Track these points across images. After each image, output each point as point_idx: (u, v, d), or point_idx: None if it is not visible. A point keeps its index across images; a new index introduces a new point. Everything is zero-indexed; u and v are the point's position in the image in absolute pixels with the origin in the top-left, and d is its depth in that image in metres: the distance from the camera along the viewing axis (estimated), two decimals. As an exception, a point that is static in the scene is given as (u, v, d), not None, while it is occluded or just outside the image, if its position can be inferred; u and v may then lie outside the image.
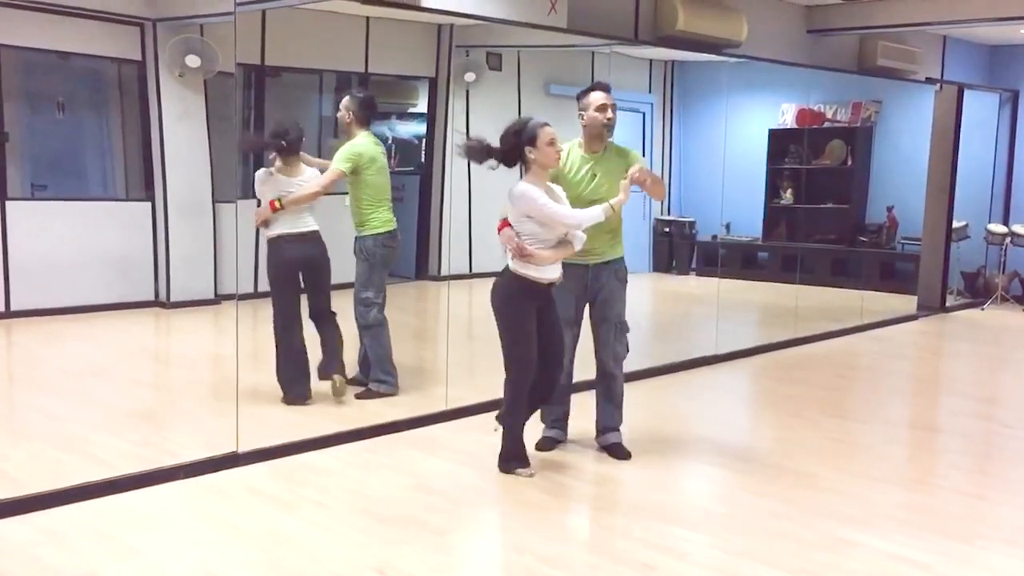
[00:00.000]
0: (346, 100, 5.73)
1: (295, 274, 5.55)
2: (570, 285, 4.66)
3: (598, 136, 4.77)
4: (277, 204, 5.38)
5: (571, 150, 4.77)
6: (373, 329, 5.65)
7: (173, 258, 8.51)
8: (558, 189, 4.55)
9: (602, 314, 4.82)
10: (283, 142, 5.46)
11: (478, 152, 4.39)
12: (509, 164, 4.43)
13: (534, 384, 4.51)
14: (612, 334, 4.82)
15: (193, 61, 8.26)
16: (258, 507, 4.14)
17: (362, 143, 5.63)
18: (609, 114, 4.72)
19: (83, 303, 8.12)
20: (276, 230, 5.46)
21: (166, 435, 5.11)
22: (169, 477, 4.35)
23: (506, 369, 4.49)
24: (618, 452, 4.86)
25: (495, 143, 4.43)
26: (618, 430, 4.93)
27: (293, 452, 4.76)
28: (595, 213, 4.40)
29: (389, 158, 10.18)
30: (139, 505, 4.11)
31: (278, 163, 5.52)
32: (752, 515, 4.19)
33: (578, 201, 4.58)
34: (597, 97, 4.74)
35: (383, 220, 5.64)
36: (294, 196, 5.41)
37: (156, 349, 7.87)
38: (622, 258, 4.87)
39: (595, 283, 4.78)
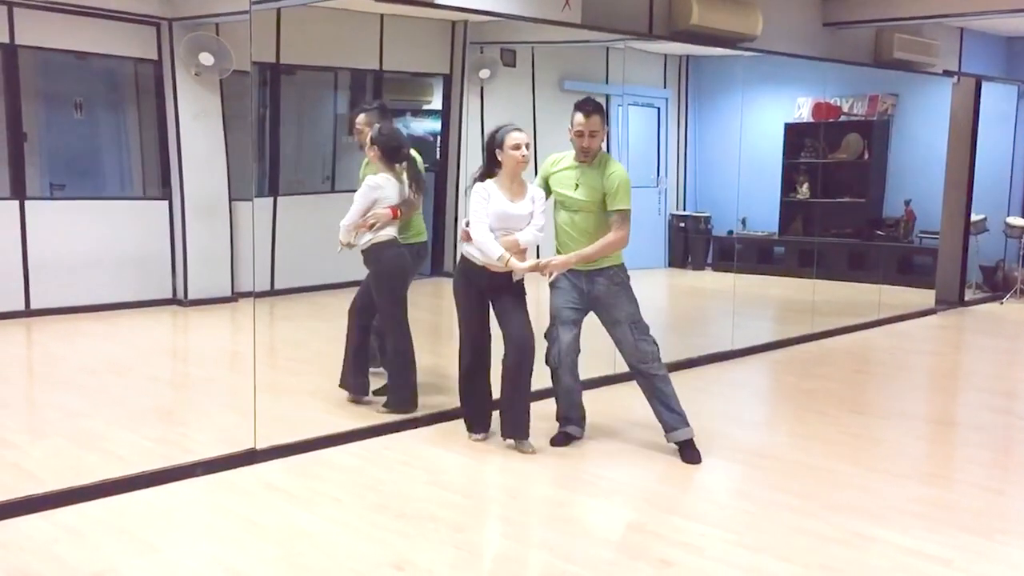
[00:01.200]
0: (362, 116, 5.65)
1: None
2: (567, 285, 4.85)
3: (583, 151, 4.79)
4: (399, 212, 5.28)
5: (568, 155, 4.88)
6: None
7: (190, 256, 8.55)
8: (538, 194, 4.78)
9: (610, 317, 4.84)
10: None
11: (483, 176, 4.78)
12: (493, 165, 4.72)
13: (506, 367, 4.82)
14: (630, 334, 4.80)
15: (206, 59, 8.30)
16: (276, 503, 4.16)
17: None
18: (585, 142, 4.72)
19: (101, 301, 8.17)
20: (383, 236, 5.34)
21: (184, 432, 5.14)
22: (187, 474, 4.38)
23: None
24: (685, 453, 4.82)
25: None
26: (680, 428, 4.85)
27: (310, 448, 4.78)
28: (489, 249, 4.64)
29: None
30: (157, 502, 4.13)
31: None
32: (770, 510, 4.18)
33: (563, 207, 4.84)
34: (578, 120, 4.73)
35: (419, 230, 5.63)
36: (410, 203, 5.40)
37: (174, 346, 7.92)
38: (619, 264, 4.86)
39: (591, 289, 4.82)
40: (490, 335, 4.90)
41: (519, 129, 4.69)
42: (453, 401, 5.47)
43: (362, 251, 5.29)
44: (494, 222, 4.68)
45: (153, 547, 3.69)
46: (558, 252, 4.86)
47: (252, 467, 4.54)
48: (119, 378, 6.27)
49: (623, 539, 3.96)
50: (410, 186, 5.34)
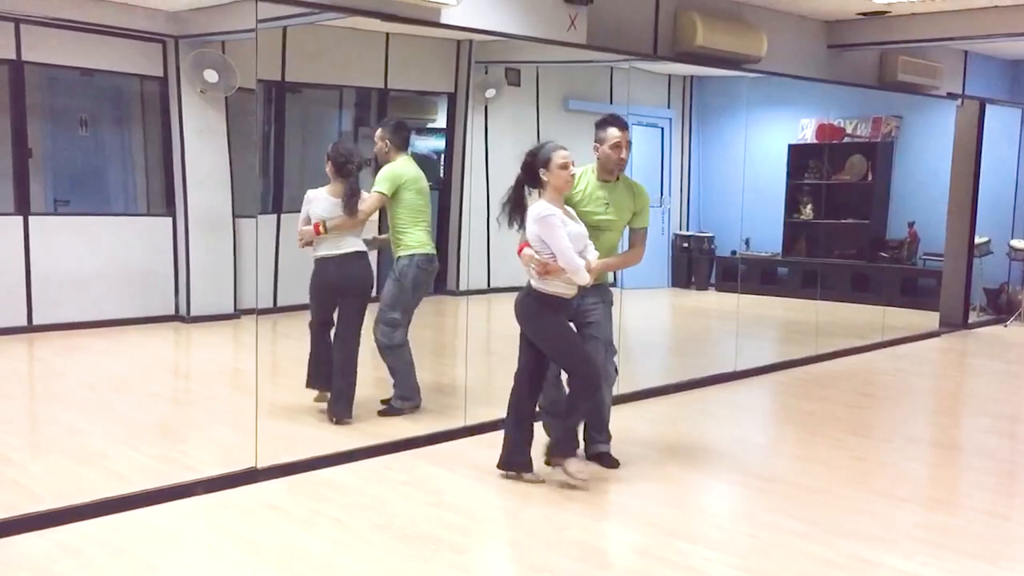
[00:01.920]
0: (379, 131, 5.77)
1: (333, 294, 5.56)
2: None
3: (611, 170, 4.83)
4: (322, 228, 5.38)
5: (585, 174, 4.83)
6: (396, 349, 5.64)
7: (193, 273, 8.56)
8: (572, 212, 4.63)
9: (594, 333, 4.78)
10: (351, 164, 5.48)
11: (514, 205, 4.55)
12: (531, 185, 4.53)
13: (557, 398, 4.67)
14: (602, 352, 4.81)
15: (211, 76, 8.33)
16: (276, 523, 4.13)
17: (400, 164, 5.66)
18: (623, 154, 4.77)
19: (104, 317, 8.17)
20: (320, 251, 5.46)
21: (185, 450, 5.12)
22: (187, 492, 4.36)
23: (570, 375, 4.58)
24: (607, 460, 4.92)
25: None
26: (607, 441, 4.99)
27: (312, 468, 4.76)
28: (583, 276, 4.43)
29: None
30: (157, 520, 4.11)
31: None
32: (773, 534, 4.15)
33: (588, 225, 4.68)
34: (613, 134, 4.77)
35: (420, 241, 5.63)
36: (336, 222, 5.39)
37: (176, 363, 7.90)
38: (611, 283, 4.97)
39: (580, 303, 4.73)
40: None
41: (563, 147, 4.51)
42: (455, 421, 5.46)
43: None
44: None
45: (152, 566, 3.66)
46: None
47: (253, 486, 4.52)
48: (120, 395, 6.26)
49: (626, 562, 3.93)
50: (344, 203, 5.38)
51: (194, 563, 3.72)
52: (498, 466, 4.70)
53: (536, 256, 4.43)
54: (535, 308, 4.53)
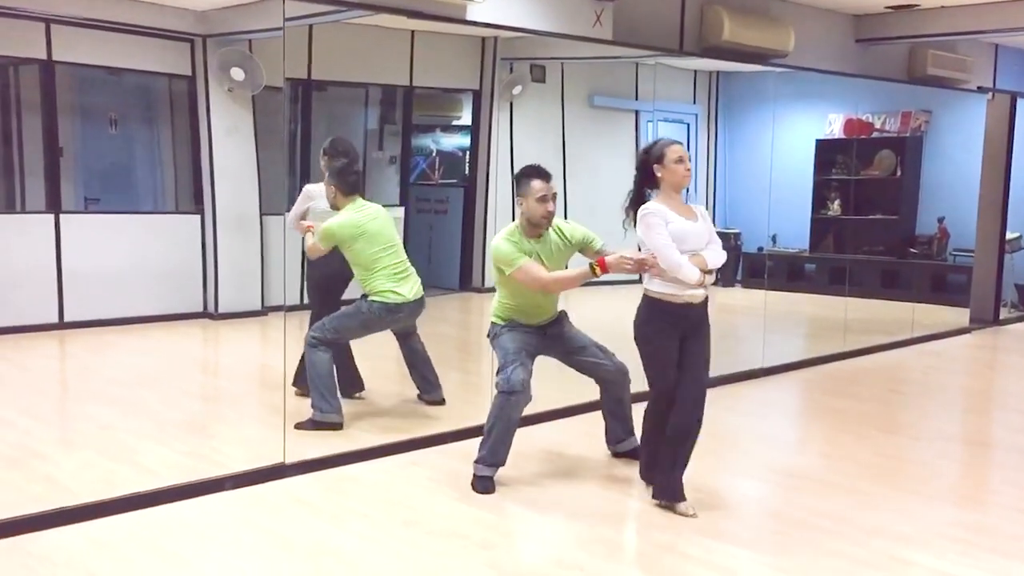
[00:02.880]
0: (326, 177, 5.46)
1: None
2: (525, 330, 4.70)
3: (537, 224, 4.64)
4: (314, 244, 5.42)
5: (510, 237, 4.68)
6: (312, 358, 5.30)
7: (221, 270, 8.62)
8: (700, 210, 4.39)
9: (578, 344, 4.81)
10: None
11: (635, 201, 4.36)
12: (649, 185, 4.33)
13: (678, 421, 4.29)
14: (599, 352, 4.81)
15: (237, 74, 8.38)
16: (304, 518, 4.16)
17: (342, 217, 5.33)
18: (551, 207, 4.61)
19: (134, 314, 8.25)
20: None
21: (214, 445, 5.16)
22: (217, 487, 4.39)
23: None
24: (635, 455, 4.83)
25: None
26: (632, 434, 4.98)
27: (339, 464, 4.78)
28: (688, 272, 4.14)
29: (433, 171, 10.25)
30: (187, 515, 4.15)
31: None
32: (803, 532, 4.12)
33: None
34: (537, 186, 4.57)
35: (380, 289, 5.28)
36: (310, 243, 5.41)
37: (204, 360, 7.96)
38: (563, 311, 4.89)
39: (552, 331, 4.78)
40: None
41: (677, 141, 4.31)
42: (481, 417, 5.45)
43: None
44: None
45: (183, 560, 3.69)
46: (504, 320, 4.73)
47: (281, 481, 4.55)
48: (150, 391, 6.31)
49: (653, 559, 3.92)
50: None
51: (224, 557, 3.75)
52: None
53: (630, 257, 4.20)
54: (641, 310, 4.31)
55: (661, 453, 4.34)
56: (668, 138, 4.35)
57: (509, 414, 4.53)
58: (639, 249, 4.27)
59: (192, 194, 8.89)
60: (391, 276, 5.31)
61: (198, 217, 8.73)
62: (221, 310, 8.59)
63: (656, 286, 4.24)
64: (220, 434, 5.49)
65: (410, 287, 5.37)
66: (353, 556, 3.76)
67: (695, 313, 4.29)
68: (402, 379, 5.97)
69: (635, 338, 4.33)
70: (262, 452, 4.70)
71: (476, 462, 4.57)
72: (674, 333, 4.26)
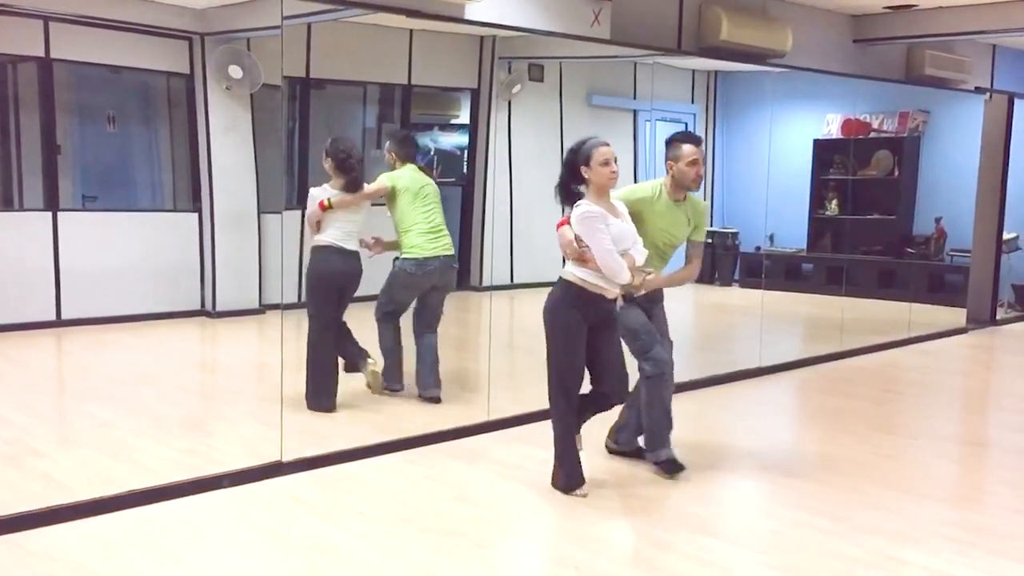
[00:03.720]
0: (387, 143, 6.09)
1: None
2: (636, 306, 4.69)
3: (687, 186, 4.74)
4: (327, 203, 5.51)
5: (658, 191, 4.74)
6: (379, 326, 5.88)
7: (219, 268, 8.62)
8: (620, 206, 4.47)
9: (663, 330, 4.85)
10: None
11: (564, 189, 4.44)
12: (575, 183, 4.39)
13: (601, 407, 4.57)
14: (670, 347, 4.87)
15: (235, 71, 8.38)
16: (301, 516, 4.17)
17: (399, 173, 5.88)
18: (700, 170, 4.72)
19: (131, 312, 8.25)
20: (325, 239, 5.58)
21: (211, 443, 5.17)
22: (214, 485, 4.40)
23: (548, 381, 4.45)
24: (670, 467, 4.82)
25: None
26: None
27: (336, 462, 4.79)
28: (625, 275, 4.28)
29: (432, 169, 10.27)
30: (185, 513, 4.15)
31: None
32: (798, 531, 4.14)
33: (654, 245, 4.66)
34: (689, 150, 4.68)
35: (411, 245, 5.79)
36: (340, 199, 5.55)
37: (202, 358, 7.97)
38: None
39: (650, 310, 4.80)
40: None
41: (605, 143, 4.35)
42: (479, 415, 5.47)
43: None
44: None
45: (180, 558, 3.70)
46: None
47: (278, 479, 4.55)
48: (148, 388, 6.32)
49: (650, 558, 3.93)
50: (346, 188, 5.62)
51: (221, 555, 3.76)
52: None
53: (574, 243, 4.25)
54: (556, 295, 4.36)
55: (585, 413, 4.52)
56: (598, 139, 4.37)
57: (662, 395, 4.65)
58: (565, 223, 4.35)
59: (190, 192, 8.89)
60: (423, 233, 5.79)
61: (196, 215, 8.73)
62: (219, 308, 8.59)
63: (584, 274, 4.30)
64: (217, 432, 5.50)
65: (440, 244, 5.83)
66: (350, 554, 3.77)
67: (608, 305, 4.42)
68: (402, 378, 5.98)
69: (548, 322, 4.38)
70: (259, 450, 4.71)
71: (649, 452, 4.71)
72: (585, 322, 4.36)
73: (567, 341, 4.33)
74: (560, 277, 4.38)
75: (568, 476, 4.45)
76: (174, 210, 9.10)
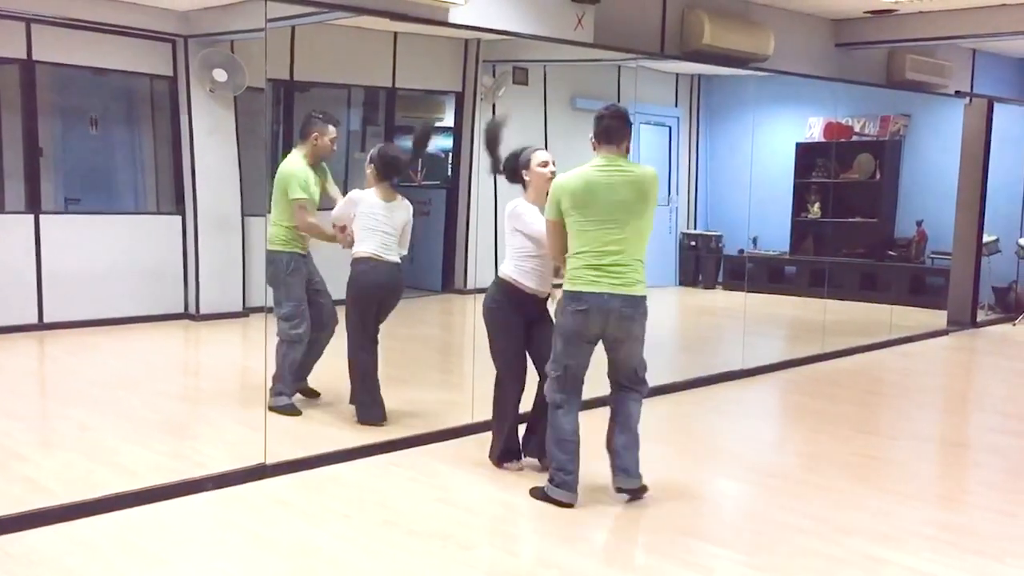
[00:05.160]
0: (372, 155, 5.62)
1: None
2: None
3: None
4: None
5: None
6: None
7: (203, 271, 8.59)
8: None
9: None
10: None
11: (491, 140, 4.83)
12: (511, 180, 4.79)
13: (537, 403, 4.72)
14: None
15: (219, 75, 8.36)
16: (285, 519, 4.16)
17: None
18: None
19: (114, 315, 8.21)
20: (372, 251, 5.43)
21: (195, 446, 5.15)
22: (197, 488, 4.39)
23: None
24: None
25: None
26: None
27: (320, 464, 4.78)
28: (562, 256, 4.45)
29: (416, 172, 10.29)
30: (168, 516, 4.14)
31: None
32: (780, 531, 4.17)
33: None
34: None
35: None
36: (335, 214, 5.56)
37: (185, 361, 7.94)
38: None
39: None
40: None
41: (542, 148, 4.75)
42: (463, 418, 5.48)
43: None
44: (537, 245, 4.58)
45: (163, 561, 3.69)
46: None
47: (262, 482, 4.55)
48: (131, 392, 6.29)
49: (633, 559, 3.95)
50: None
51: (204, 558, 3.75)
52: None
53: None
54: (491, 294, 4.72)
55: (534, 421, 4.76)
56: (536, 146, 4.77)
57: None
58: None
59: (173, 195, 8.86)
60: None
61: (179, 218, 8.70)
62: (202, 311, 8.56)
63: (518, 276, 4.64)
64: (201, 435, 5.49)
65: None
66: (333, 556, 3.77)
67: (539, 303, 4.72)
68: (383, 380, 5.98)
69: (487, 320, 4.71)
70: (243, 453, 4.70)
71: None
72: (523, 319, 4.68)
73: (505, 338, 4.68)
74: (497, 276, 4.72)
75: (503, 450, 4.80)
76: (157, 213, 9.07)
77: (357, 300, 5.42)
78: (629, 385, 4.40)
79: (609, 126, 4.32)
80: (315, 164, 5.66)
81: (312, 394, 5.85)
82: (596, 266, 4.21)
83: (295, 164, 5.61)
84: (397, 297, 5.52)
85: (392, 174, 5.43)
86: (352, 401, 5.55)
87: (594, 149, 4.37)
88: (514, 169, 4.75)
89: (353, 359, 5.47)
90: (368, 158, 5.52)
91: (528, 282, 4.64)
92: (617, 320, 4.22)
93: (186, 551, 3.81)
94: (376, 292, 5.41)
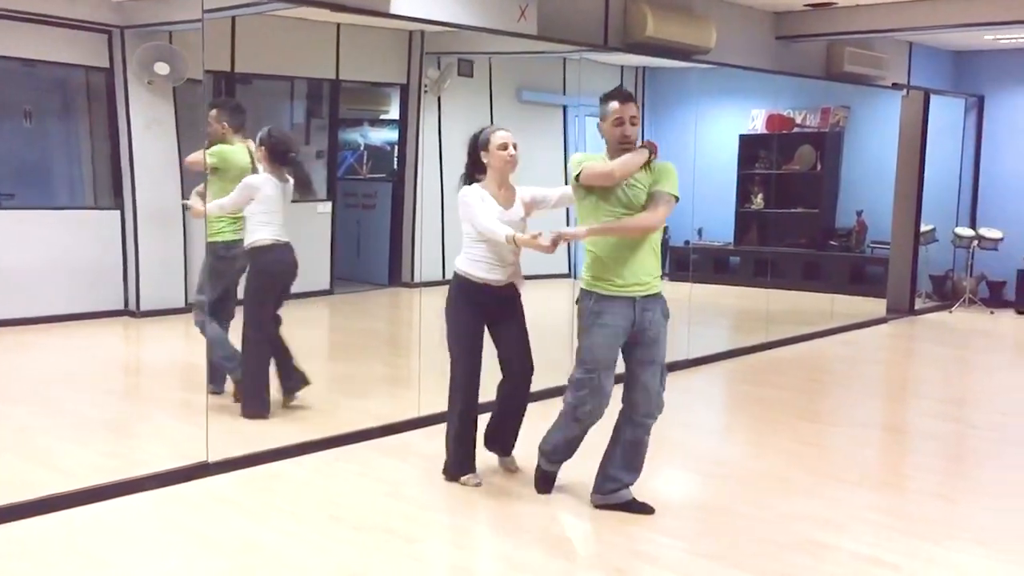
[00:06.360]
0: (214, 112, 5.72)
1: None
2: (615, 320, 4.11)
3: (614, 149, 4.25)
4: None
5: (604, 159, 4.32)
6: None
7: (143, 267, 8.42)
8: (526, 193, 4.52)
9: (647, 356, 4.18)
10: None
11: (469, 178, 4.51)
12: (478, 171, 4.47)
13: (503, 399, 4.58)
14: (658, 381, 4.24)
15: (162, 68, 8.20)
16: (228, 517, 4.10)
17: (232, 149, 5.66)
18: (627, 130, 4.22)
19: (52, 312, 8.01)
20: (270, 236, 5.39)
21: (135, 445, 5.06)
22: (138, 488, 4.31)
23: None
24: (635, 507, 4.29)
25: (466, 149, 4.56)
26: (627, 488, 4.35)
27: (263, 461, 4.72)
28: (500, 233, 4.23)
29: (361, 165, 10.19)
30: (108, 516, 4.06)
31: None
32: (725, 519, 4.21)
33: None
34: (613, 107, 4.21)
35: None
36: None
37: (125, 358, 7.79)
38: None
39: (642, 320, 4.15)
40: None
41: (505, 129, 4.44)
42: (408, 412, 5.45)
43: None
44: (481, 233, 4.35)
45: (103, 562, 3.62)
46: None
47: (204, 480, 4.47)
48: (69, 391, 6.16)
49: (578, 549, 3.96)
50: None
51: (145, 558, 3.68)
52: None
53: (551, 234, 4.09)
54: (449, 289, 4.48)
55: (503, 423, 4.61)
56: (496, 126, 4.47)
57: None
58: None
59: (111, 189, 8.67)
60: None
61: (118, 212, 8.52)
62: (143, 307, 8.40)
63: (467, 266, 4.41)
64: (141, 434, 5.39)
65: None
66: (276, 552, 3.73)
67: (500, 296, 4.45)
68: (329, 375, 5.93)
69: (446, 318, 4.49)
70: (185, 451, 4.62)
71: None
72: (484, 317, 4.45)
73: (455, 334, 4.46)
74: (453, 271, 4.50)
75: (458, 464, 4.52)
76: (95, 207, 8.87)
77: (268, 288, 5.39)
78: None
79: None
80: None
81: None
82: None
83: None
84: (295, 278, 5.51)
85: (285, 155, 5.40)
86: (240, 395, 5.47)
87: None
88: (474, 152, 4.45)
89: (257, 349, 5.37)
90: (258, 140, 5.47)
91: (476, 271, 4.38)
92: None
93: (127, 551, 3.74)
94: (285, 278, 5.43)
